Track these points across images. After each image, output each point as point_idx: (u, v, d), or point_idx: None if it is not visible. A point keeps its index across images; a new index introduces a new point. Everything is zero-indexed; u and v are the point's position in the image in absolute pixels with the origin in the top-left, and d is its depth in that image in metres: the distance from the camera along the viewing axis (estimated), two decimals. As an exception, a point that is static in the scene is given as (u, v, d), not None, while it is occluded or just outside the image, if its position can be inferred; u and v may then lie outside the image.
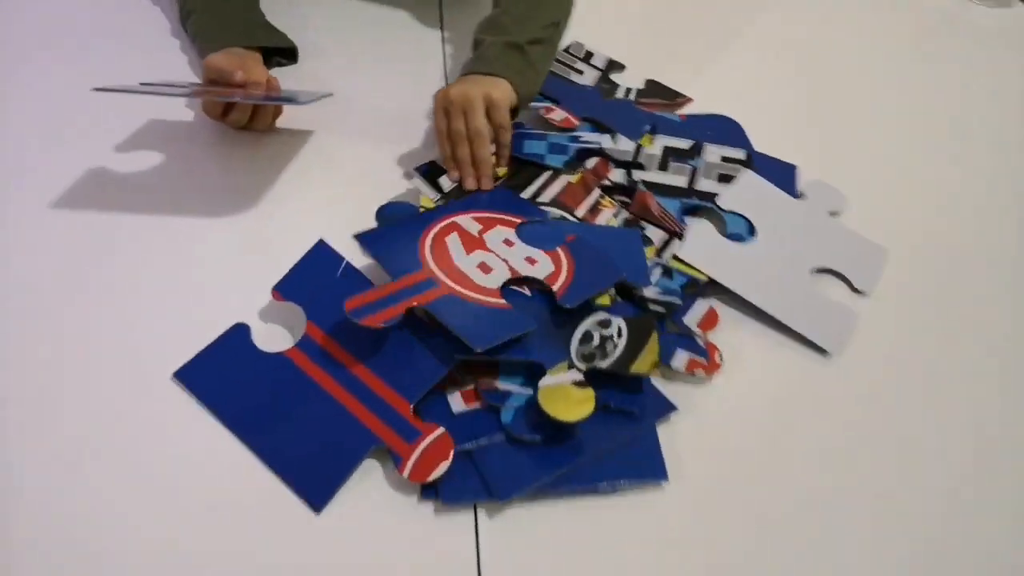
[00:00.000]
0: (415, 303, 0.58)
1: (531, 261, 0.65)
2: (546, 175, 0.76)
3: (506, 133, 0.74)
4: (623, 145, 0.79)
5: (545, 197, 0.74)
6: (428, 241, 0.64)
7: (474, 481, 0.54)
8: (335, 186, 0.75)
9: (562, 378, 0.57)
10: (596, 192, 0.75)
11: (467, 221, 0.67)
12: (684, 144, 0.81)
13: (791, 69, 0.98)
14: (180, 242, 0.68)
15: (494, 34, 0.79)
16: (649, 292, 0.66)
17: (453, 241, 0.65)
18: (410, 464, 0.53)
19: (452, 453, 0.54)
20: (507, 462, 0.55)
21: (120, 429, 0.56)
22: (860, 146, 0.88)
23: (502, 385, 0.58)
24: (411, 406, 0.56)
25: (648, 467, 0.56)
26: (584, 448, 0.56)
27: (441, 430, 0.54)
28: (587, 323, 0.61)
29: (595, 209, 0.73)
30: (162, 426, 0.56)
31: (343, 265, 0.64)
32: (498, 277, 0.63)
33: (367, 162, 0.77)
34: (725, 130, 0.84)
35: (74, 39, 0.88)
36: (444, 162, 0.75)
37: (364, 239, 0.64)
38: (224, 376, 0.58)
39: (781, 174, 0.80)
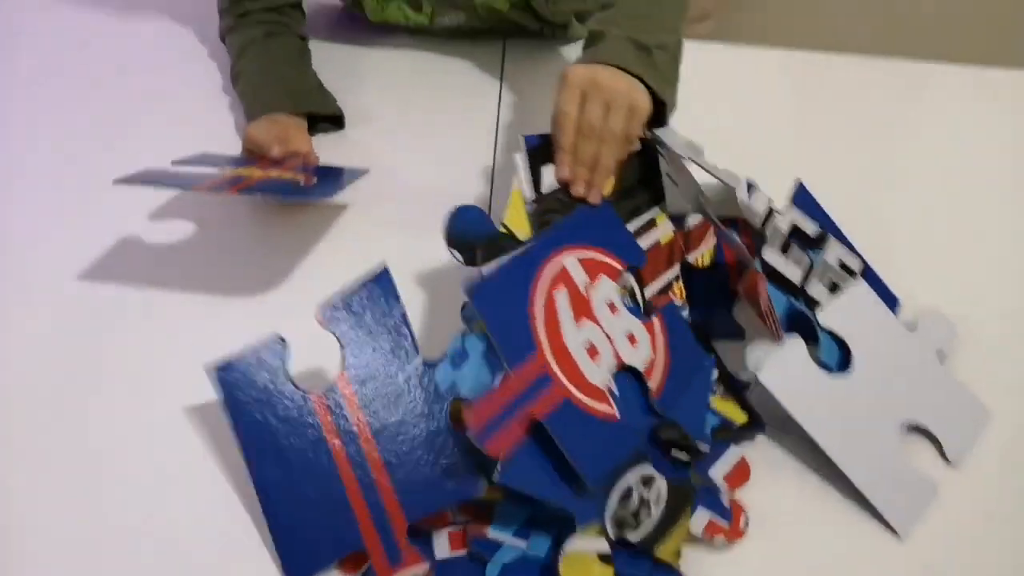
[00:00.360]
0: (534, 416, 0.50)
1: (632, 339, 0.58)
2: (646, 217, 0.67)
3: (631, 149, 0.64)
4: (757, 203, 0.68)
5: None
6: (539, 299, 0.55)
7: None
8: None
9: (590, 545, 0.51)
10: (675, 269, 0.66)
11: (574, 265, 0.58)
12: (812, 229, 0.70)
13: (893, 173, 0.86)
14: (201, 316, 0.67)
15: (619, 28, 0.66)
16: (674, 433, 0.57)
17: (563, 302, 0.56)
18: None
19: None
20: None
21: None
22: (975, 278, 0.76)
23: (493, 534, 0.51)
24: (407, 525, 0.52)
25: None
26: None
27: (425, 567, 0.51)
28: (632, 476, 0.53)
29: (664, 293, 0.65)
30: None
31: (399, 313, 0.56)
32: (605, 366, 0.55)
33: (397, 247, 0.72)
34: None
35: (126, 94, 0.90)
36: (558, 153, 0.63)
37: (479, 296, 0.53)
38: (253, 389, 0.54)
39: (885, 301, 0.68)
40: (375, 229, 0.74)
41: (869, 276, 0.70)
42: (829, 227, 0.71)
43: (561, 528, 0.51)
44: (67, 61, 0.94)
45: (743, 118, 0.90)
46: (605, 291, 0.58)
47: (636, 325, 0.58)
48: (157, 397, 0.61)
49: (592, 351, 0.55)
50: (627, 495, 0.52)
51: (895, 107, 0.96)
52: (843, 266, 0.69)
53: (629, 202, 0.66)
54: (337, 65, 0.92)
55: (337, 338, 0.55)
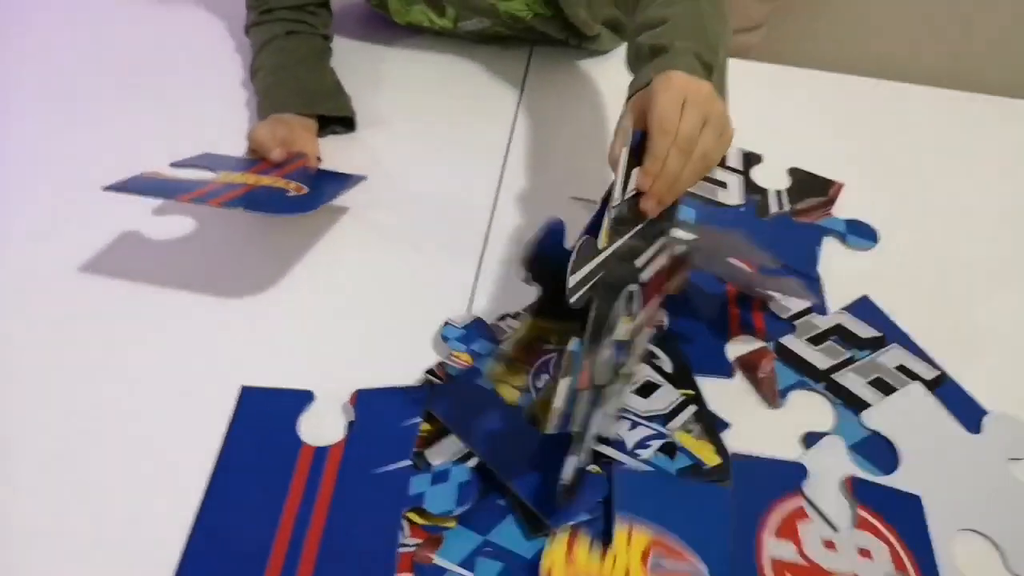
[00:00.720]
0: None
1: (866, 554, 0.54)
2: (663, 240, 0.62)
3: (704, 175, 0.59)
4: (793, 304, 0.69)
5: (647, 273, 0.60)
6: None
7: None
8: (350, 276, 0.71)
9: None
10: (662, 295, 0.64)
11: (779, 547, 0.54)
12: (866, 332, 0.68)
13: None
14: (190, 317, 0.66)
15: (683, 43, 0.61)
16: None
17: None
18: None
19: None
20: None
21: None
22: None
23: (438, 560, 0.51)
24: None
25: None
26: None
27: None
28: None
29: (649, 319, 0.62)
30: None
31: (414, 424, 0.57)
32: None
33: (390, 255, 0.72)
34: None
35: (141, 88, 0.90)
36: (650, 159, 0.54)
37: None
38: (262, 423, 0.58)
39: (964, 412, 0.63)
40: (369, 236, 0.73)
41: (947, 386, 0.65)
42: (895, 335, 0.68)
43: (508, 563, 0.51)
44: (84, 54, 0.95)
45: (788, 144, 0.87)
46: (814, 538, 0.55)
47: (860, 537, 0.55)
48: (151, 395, 0.60)
49: None
50: None
51: (959, 143, 0.91)
52: (904, 370, 0.65)
53: (656, 224, 0.60)
54: (358, 65, 0.92)
55: (356, 416, 0.58)
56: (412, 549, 0.52)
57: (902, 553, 0.54)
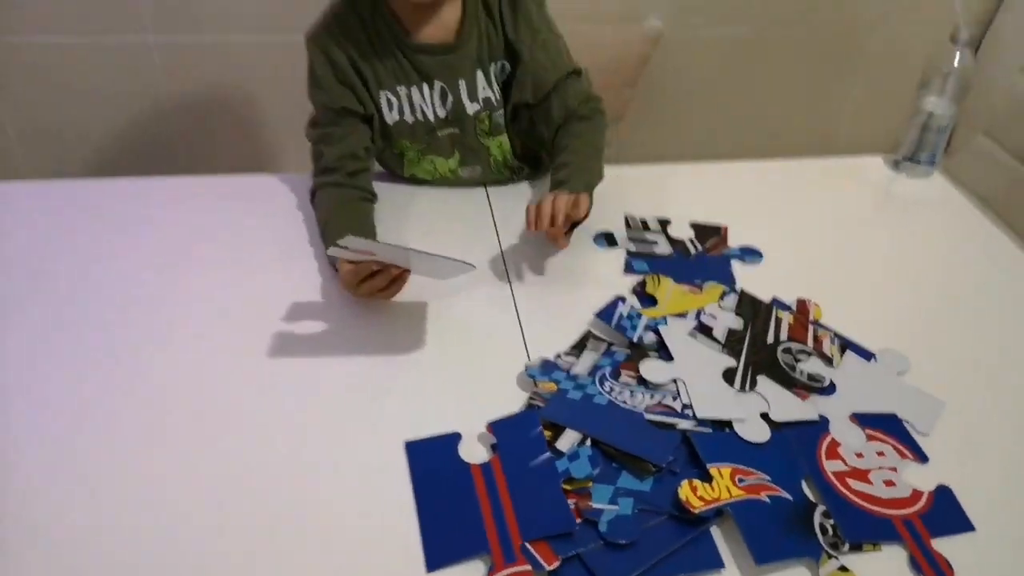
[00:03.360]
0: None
1: (880, 454, 0.85)
2: None
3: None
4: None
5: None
6: (850, 492, 0.80)
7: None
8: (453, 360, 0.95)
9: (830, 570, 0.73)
10: None
11: (834, 465, 0.83)
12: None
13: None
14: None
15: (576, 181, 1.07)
16: None
17: (859, 485, 0.81)
18: (502, 574, 0.71)
19: None
20: (610, 560, 0.73)
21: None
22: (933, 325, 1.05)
23: (596, 504, 0.77)
24: (522, 541, 0.73)
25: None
26: (663, 546, 0.74)
27: (528, 568, 0.71)
28: (817, 516, 0.77)
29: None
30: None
31: (538, 433, 0.82)
32: (902, 479, 0.82)
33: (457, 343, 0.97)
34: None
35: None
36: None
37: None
38: (434, 463, 0.81)
39: (864, 353, 0.97)
40: (428, 333, 0.96)
41: (851, 344, 0.98)
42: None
43: (636, 497, 0.77)
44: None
45: (684, 208, 1.20)
46: (849, 454, 0.83)
47: (874, 446, 0.84)
48: (338, 460, 0.81)
49: (889, 482, 0.81)
50: (823, 530, 0.75)
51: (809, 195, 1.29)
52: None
53: None
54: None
55: (497, 439, 0.83)
56: (574, 504, 0.77)
57: (902, 448, 0.85)
